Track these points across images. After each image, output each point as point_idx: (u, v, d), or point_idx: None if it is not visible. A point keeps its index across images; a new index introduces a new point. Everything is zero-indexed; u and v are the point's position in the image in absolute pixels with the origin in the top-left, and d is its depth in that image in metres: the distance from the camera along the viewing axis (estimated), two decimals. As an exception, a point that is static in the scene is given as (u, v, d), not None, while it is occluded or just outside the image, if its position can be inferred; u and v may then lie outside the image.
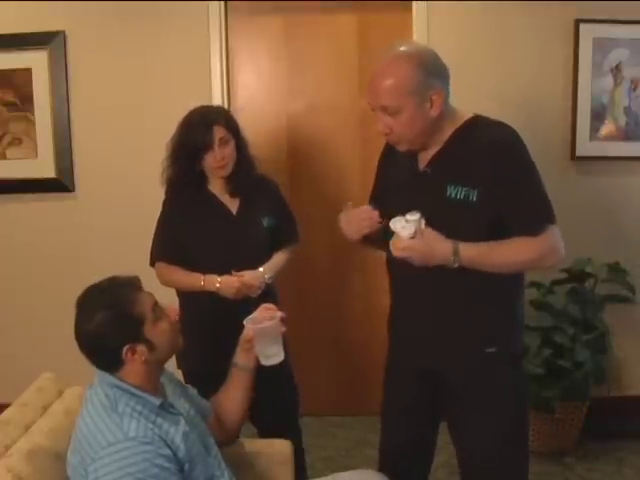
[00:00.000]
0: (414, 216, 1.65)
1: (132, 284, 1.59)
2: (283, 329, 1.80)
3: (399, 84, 1.67)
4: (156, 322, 1.57)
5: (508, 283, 1.79)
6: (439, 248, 1.67)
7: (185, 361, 2.22)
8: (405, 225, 1.65)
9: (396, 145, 1.79)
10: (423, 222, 1.66)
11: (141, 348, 1.53)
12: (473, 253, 1.69)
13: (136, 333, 1.54)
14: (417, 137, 1.74)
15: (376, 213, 1.79)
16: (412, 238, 1.66)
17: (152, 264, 2.33)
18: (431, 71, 1.70)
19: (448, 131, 1.77)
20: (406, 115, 1.69)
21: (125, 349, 1.52)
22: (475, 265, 1.70)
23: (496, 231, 1.71)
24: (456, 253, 1.67)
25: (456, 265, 1.67)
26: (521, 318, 1.88)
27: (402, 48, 1.73)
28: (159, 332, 1.57)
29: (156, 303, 1.60)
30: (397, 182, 1.88)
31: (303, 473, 2.37)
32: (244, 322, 1.79)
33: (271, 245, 2.35)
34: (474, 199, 1.69)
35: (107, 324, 1.50)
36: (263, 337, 1.77)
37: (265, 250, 2.32)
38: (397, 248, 1.68)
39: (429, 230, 1.67)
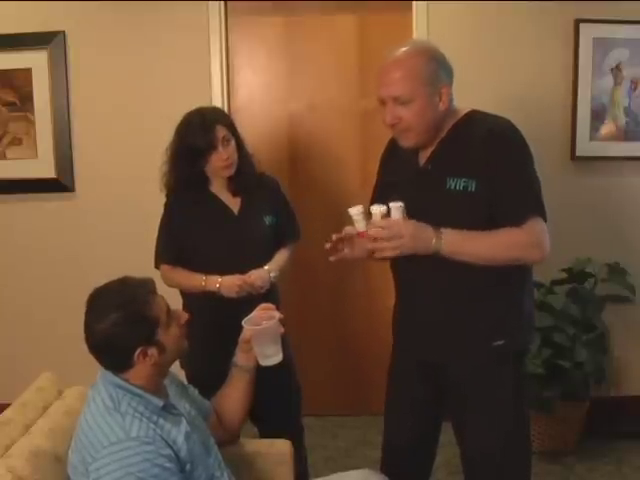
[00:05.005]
0: (397, 203, 1.69)
1: (146, 286, 1.59)
2: (282, 330, 1.80)
3: (413, 73, 1.71)
4: (168, 326, 1.58)
5: (513, 278, 1.80)
6: (422, 230, 1.69)
7: (189, 362, 2.22)
8: (390, 211, 1.69)
9: (402, 137, 1.80)
10: (405, 212, 1.70)
11: (152, 351, 1.54)
12: (456, 237, 1.70)
13: (150, 336, 1.54)
14: (425, 130, 1.76)
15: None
16: None
17: (157, 267, 2.33)
18: (442, 65, 1.75)
19: (448, 127, 1.79)
20: (418, 104, 1.72)
21: (138, 351, 1.52)
22: (459, 250, 1.70)
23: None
24: (438, 236, 1.68)
25: (440, 247, 1.68)
26: (529, 314, 1.88)
27: (412, 45, 1.80)
28: (170, 336, 1.59)
29: (169, 307, 1.62)
30: (399, 180, 1.89)
31: (305, 473, 2.37)
32: (242, 323, 1.79)
33: (273, 243, 2.35)
34: (473, 189, 1.71)
35: (121, 324, 1.50)
36: (261, 338, 1.77)
37: (268, 248, 2.32)
38: (381, 227, 1.69)
39: (410, 220, 1.70)
